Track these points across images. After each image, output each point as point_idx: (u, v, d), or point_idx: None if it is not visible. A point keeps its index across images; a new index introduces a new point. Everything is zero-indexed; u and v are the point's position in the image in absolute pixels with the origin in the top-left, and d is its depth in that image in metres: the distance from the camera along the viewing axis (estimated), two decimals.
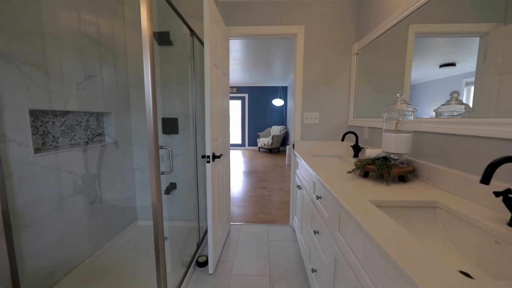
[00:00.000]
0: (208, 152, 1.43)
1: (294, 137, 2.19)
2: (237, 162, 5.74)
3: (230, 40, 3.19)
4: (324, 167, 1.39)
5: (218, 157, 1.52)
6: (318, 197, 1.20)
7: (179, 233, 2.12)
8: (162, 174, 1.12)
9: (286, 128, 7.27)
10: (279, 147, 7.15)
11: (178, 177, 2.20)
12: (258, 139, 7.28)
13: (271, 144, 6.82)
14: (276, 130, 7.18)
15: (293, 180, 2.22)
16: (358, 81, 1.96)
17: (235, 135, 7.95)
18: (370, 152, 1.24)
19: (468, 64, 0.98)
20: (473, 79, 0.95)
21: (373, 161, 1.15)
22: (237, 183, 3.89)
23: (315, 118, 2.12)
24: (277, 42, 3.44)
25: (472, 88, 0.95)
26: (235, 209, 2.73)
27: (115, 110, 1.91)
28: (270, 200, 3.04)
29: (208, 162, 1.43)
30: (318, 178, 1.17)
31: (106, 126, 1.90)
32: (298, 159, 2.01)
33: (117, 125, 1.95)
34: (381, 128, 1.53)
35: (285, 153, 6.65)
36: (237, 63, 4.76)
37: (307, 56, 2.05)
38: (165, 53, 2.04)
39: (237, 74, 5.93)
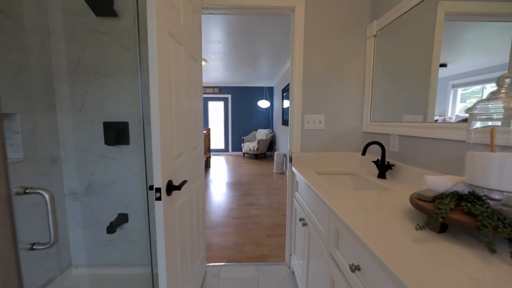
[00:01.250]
0: (159, 182, 0.83)
1: (291, 147, 1.65)
2: (220, 170, 5.11)
3: (207, 24, 2.61)
4: (346, 198, 0.86)
5: (178, 187, 0.93)
6: (353, 268, 0.66)
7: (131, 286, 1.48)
8: (32, 249, 0.51)
9: (272, 131, 6.77)
10: (266, 152, 6.62)
11: (131, 206, 1.57)
12: (242, 144, 6.71)
13: (257, 149, 6.27)
14: (262, 134, 6.66)
15: (291, 206, 1.67)
16: (377, 72, 1.47)
17: (218, 139, 7.31)
18: (435, 182, 0.73)
19: (457, 65, 0.94)
20: (460, 81, 0.93)
21: (455, 202, 0.63)
22: (219, 199, 3.28)
23: (320, 122, 1.60)
24: (264, 32, 2.92)
25: (459, 90, 0.93)
26: (214, 240, 2.12)
27: (23, 110, 1.25)
28: (258, 222, 2.47)
29: (159, 198, 0.83)
30: (351, 231, 0.63)
31: (7, 135, 1.23)
32: (298, 179, 1.47)
33: (29, 133, 1.28)
34: (420, 138, 1.04)
35: (273, 160, 6.12)
36: (218, 58, 4.18)
37: (308, 38, 1.52)
38: (107, 28, 1.42)
39: (218, 72, 5.34)
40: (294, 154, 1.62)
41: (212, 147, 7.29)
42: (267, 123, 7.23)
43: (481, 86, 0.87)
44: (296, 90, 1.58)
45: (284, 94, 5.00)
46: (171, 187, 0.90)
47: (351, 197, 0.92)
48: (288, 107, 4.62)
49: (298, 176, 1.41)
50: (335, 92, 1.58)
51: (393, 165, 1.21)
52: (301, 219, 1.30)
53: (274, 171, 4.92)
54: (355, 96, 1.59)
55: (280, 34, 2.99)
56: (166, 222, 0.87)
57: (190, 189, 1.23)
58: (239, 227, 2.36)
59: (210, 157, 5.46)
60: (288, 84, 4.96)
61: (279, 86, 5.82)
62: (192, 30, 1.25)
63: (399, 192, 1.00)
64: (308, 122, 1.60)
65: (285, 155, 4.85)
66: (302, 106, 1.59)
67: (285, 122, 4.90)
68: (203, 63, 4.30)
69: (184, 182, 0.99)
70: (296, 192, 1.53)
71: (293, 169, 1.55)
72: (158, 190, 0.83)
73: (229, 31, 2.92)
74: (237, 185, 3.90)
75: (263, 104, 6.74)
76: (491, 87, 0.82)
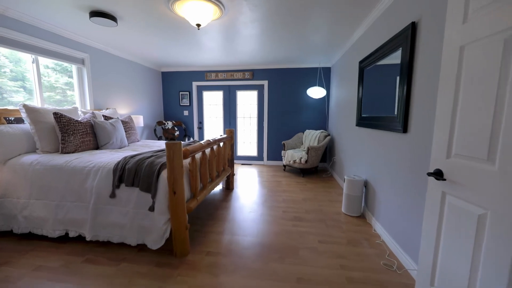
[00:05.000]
0: None
1: None
2: (245, 201, 3.12)
3: None
4: None
5: None
6: None
7: None
8: None
9: (329, 134, 4.50)
10: (317, 165, 4.41)
11: None
12: (283, 152, 4.61)
13: (306, 161, 4.11)
14: (312, 137, 4.46)
15: None
16: None
17: (249, 143, 5.37)
18: None
19: None
20: None
21: None
22: None
23: None
24: None
25: None
26: None
27: None
28: None
29: None
30: None
31: None
32: None
33: None
34: None
35: (331, 179, 3.87)
36: (253, 28, 2.16)
37: None
38: None
39: (251, 44, 3.32)
40: None
41: (240, 153, 5.39)
42: (321, 122, 4.97)
43: None
44: None
45: (364, 70, 2.72)
46: None
47: None
48: (362, 96, 2.36)
49: None
50: None
51: None
52: None
53: (343, 210, 2.72)
54: None
55: None
56: None
57: None
58: None
59: (232, 174, 3.53)
60: (373, 55, 2.62)
61: (347, 63, 3.52)
62: None
63: None
64: None
65: (366, 183, 2.60)
66: None
67: (364, 122, 2.63)
68: (218, 13, 2.33)
69: None
70: None
71: None
72: None
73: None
74: (270, 259, 1.85)
75: (316, 92, 4.50)
76: None
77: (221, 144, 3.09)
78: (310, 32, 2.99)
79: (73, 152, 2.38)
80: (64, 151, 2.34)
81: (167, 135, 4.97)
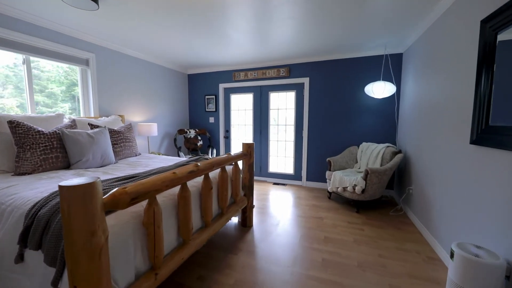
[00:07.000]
0: None
1: None
2: (262, 251, 2.06)
3: None
4: None
5: None
6: None
7: None
8: None
9: (399, 151, 3.05)
10: (381, 196, 3.00)
11: None
12: (328, 173, 3.35)
13: (362, 191, 2.78)
14: (372, 154, 3.09)
15: None
16: None
17: (284, 157, 4.27)
18: None
19: None
20: None
21: None
22: None
23: None
24: None
25: None
26: None
27: None
28: None
29: None
30: None
31: None
32: None
33: None
34: None
35: (404, 220, 2.36)
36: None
37: None
38: None
39: (286, 28, 2.30)
40: None
41: (272, 169, 4.34)
42: (386, 132, 3.52)
43: None
44: None
45: (498, 35, 1.36)
46: None
47: None
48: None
49: None
50: None
51: None
52: None
53: None
54: None
55: None
56: None
57: None
58: None
59: (251, 206, 2.51)
60: None
61: (442, 36, 2.13)
62: None
63: None
64: None
65: (511, 271, 1.22)
66: None
67: (498, 138, 1.27)
68: None
69: None
70: None
71: None
72: None
73: None
74: None
75: (379, 90, 3.13)
76: None
77: (237, 163, 2.13)
78: (368, 15, 1.79)
79: (30, 173, 1.79)
80: (19, 172, 1.76)
81: (189, 145, 4.33)
